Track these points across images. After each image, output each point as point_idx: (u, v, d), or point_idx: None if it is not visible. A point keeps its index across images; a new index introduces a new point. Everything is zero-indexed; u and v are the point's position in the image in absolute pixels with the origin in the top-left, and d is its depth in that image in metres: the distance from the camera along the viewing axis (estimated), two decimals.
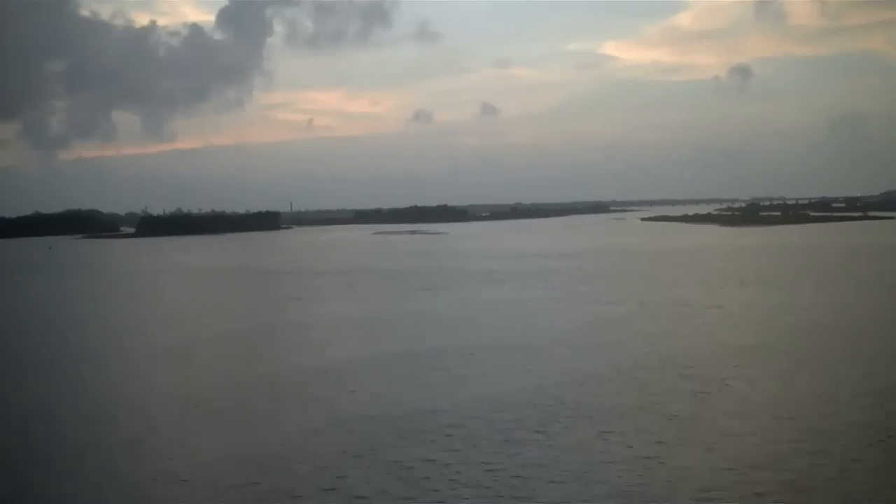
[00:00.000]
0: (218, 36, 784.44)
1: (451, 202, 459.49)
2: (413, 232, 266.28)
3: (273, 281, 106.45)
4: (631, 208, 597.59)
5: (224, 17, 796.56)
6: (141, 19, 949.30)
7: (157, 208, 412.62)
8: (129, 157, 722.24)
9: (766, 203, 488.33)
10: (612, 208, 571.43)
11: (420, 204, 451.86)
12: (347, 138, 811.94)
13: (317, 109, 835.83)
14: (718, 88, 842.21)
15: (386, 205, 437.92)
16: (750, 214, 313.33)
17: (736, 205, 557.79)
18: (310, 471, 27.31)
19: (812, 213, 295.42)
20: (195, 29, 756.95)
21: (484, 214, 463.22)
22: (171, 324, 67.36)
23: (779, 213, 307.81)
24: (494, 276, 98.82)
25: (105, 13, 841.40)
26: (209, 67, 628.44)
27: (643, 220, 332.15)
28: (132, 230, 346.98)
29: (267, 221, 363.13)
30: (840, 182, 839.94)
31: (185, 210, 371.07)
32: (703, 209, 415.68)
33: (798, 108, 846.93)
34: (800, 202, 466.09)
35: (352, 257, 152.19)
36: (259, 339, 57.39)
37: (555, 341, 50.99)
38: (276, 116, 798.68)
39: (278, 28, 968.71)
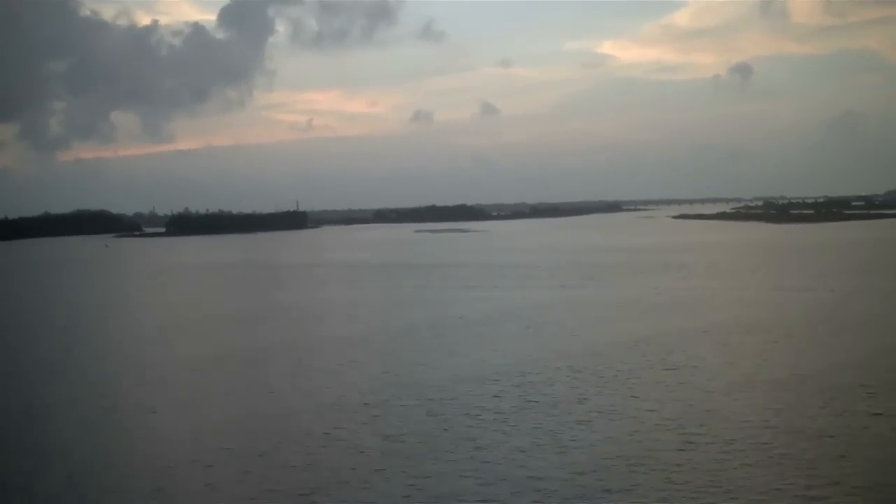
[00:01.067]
0: (219, 35, 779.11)
1: (451, 202, 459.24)
2: (458, 230, 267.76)
3: (441, 274, 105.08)
4: (647, 207, 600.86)
5: (225, 16, 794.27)
6: (142, 19, 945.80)
7: (161, 209, 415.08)
8: (128, 157, 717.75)
9: (783, 201, 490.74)
10: (624, 207, 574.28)
11: (431, 203, 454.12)
12: (347, 138, 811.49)
13: (314, 110, 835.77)
14: (718, 87, 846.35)
15: (388, 204, 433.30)
16: (785, 213, 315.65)
17: (743, 203, 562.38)
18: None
19: (846, 212, 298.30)
20: (197, 28, 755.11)
21: (502, 214, 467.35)
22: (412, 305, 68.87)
23: (812, 212, 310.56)
24: (641, 269, 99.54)
25: (106, 13, 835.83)
26: (210, 67, 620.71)
27: (675, 217, 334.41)
28: (161, 230, 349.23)
29: (294, 220, 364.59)
30: (840, 181, 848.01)
31: (192, 210, 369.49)
32: (713, 208, 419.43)
33: (797, 107, 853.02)
34: (806, 200, 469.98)
35: (455, 253, 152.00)
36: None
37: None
38: (275, 117, 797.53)
39: (281, 27, 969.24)
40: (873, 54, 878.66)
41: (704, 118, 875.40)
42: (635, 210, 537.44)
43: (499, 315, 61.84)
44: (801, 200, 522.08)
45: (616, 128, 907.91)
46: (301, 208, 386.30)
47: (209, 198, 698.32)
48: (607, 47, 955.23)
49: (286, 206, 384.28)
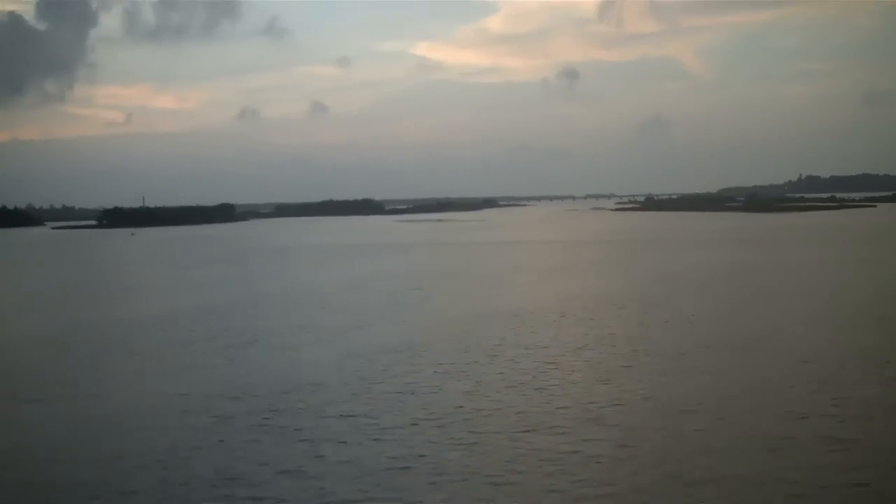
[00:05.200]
0: (38, 26, 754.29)
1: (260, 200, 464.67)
2: (439, 220, 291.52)
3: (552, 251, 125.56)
4: (521, 203, 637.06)
5: (44, 6, 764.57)
6: None
7: None
8: None
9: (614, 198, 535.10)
10: (500, 203, 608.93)
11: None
12: (165, 134, 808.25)
13: (130, 105, 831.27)
14: (535, 90, 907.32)
15: (211, 201, 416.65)
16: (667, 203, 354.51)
17: (588, 199, 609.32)
18: None
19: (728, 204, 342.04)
20: (13, 17, 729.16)
21: (404, 207, 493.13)
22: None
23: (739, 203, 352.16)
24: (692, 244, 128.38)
25: None
26: (26, 58, 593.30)
27: (615, 210, 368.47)
28: (91, 222, 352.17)
29: (225, 213, 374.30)
30: (656, 181, 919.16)
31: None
32: (572, 205, 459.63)
33: (614, 110, 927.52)
34: (636, 198, 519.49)
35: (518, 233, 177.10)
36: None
37: None
38: (92, 112, 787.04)
39: (113, 20, 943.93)
40: (673, 63, 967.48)
41: (522, 120, 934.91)
42: (512, 206, 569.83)
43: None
44: (631, 198, 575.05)
45: (434, 128, 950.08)
46: (147, 203, 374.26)
47: (20, 192, 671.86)
48: (422, 49, 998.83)
49: (131, 201, 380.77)
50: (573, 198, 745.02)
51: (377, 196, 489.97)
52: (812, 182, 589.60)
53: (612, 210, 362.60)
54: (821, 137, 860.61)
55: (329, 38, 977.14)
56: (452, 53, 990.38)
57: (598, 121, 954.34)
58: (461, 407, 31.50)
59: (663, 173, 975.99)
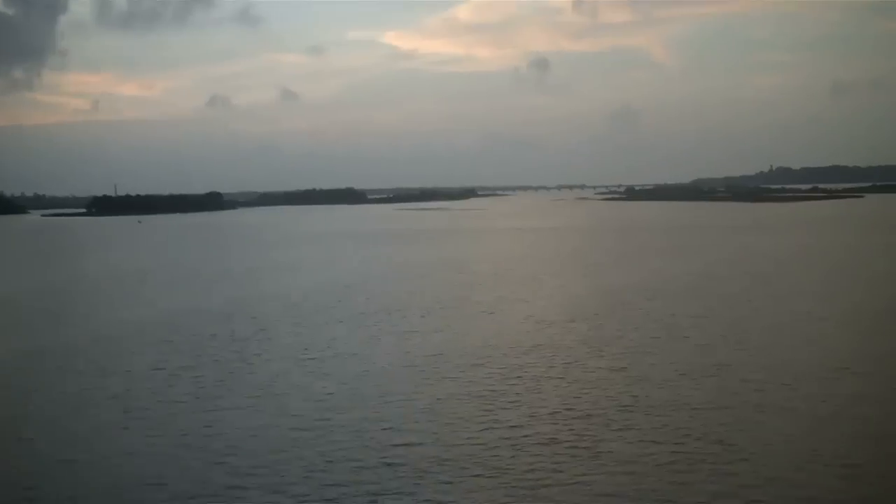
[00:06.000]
0: (6, 10, 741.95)
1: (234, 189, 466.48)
2: (440, 209, 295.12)
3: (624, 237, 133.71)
4: (499, 193, 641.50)
5: None
6: None
7: None
8: None
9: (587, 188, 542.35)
10: (479, 193, 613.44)
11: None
12: (132, 122, 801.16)
13: (98, 92, 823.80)
14: (506, 80, 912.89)
15: (182, 189, 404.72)
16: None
17: (573, 189, 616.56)
18: None
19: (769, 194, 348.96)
20: None
21: (384, 196, 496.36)
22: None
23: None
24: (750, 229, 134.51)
25: None
26: None
27: (603, 200, 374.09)
28: (81, 210, 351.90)
29: (213, 202, 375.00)
30: (626, 172, 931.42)
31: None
32: (548, 195, 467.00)
33: (584, 100, 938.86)
34: (610, 188, 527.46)
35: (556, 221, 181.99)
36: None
37: None
38: (50, 100, 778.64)
39: (79, 6, 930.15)
40: (641, 53, 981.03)
41: (490, 110, 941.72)
42: (492, 196, 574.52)
43: None
44: (605, 188, 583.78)
45: (405, 117, 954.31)
46: (119, 192, 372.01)
47: None
48: (391, 37, 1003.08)
49: (102, 189, 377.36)
50: (546, 188, 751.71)
51: (350, 184, 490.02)
52: (784, 173, 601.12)
53: (599, 200, 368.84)
54: (790, 128, 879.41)
55: (301, 26, 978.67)
56: (422, 42, 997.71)
57: (568, 111, 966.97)
58: None
59: (634, 164, 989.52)
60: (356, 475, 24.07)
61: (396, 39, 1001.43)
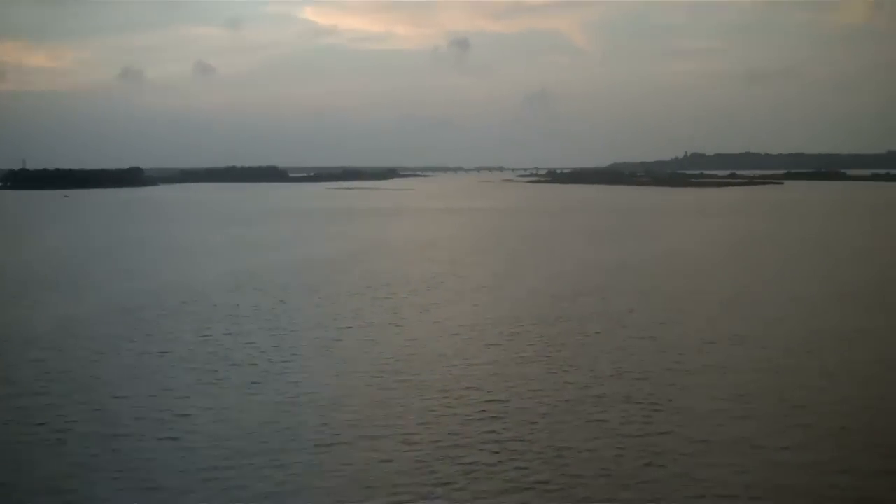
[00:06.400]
0: None
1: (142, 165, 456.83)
2: (374, 188, 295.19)
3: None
4: (420, 174, 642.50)
5: None
6: None
7: None
8: None
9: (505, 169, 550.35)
10: (401, 174, 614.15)
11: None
12: (45, 93, 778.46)
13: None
14: (437, 59, 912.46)
15: (94, 164, 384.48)
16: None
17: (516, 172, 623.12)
18: None
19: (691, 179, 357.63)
20: None
21: (305, 175, 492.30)
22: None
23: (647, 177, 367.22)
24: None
25: None
26: None
27: (531, 182, 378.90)
28: None
29: (135, 177, 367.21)
30: (539, 156, 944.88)
31: None
32: (475, 178, 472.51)
33: (501, 82, 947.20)
34: (530, 170, 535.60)
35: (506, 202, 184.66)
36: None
37: None
38: None
39: None
40: (560, 36, 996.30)
41: (411, 88, 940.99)
42: (412, 177, 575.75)
43: None
44: (524, 171, 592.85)
45: (323, 94, 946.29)
46: (29, 166, 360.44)
47: None
48: (309, 12, 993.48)
49: (9, 163, 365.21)
50: (464, 170, 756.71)
51: (267, 161, 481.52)
52: (698, 159, 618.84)
53: (526, 182, 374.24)
54: (704, 115, 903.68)
55: None
56: (341, 18, 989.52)
57: (487, 92, 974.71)
58: None
59: (551, 147, 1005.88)
60: (455, 428, 26.39)
61: (315, 14, 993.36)
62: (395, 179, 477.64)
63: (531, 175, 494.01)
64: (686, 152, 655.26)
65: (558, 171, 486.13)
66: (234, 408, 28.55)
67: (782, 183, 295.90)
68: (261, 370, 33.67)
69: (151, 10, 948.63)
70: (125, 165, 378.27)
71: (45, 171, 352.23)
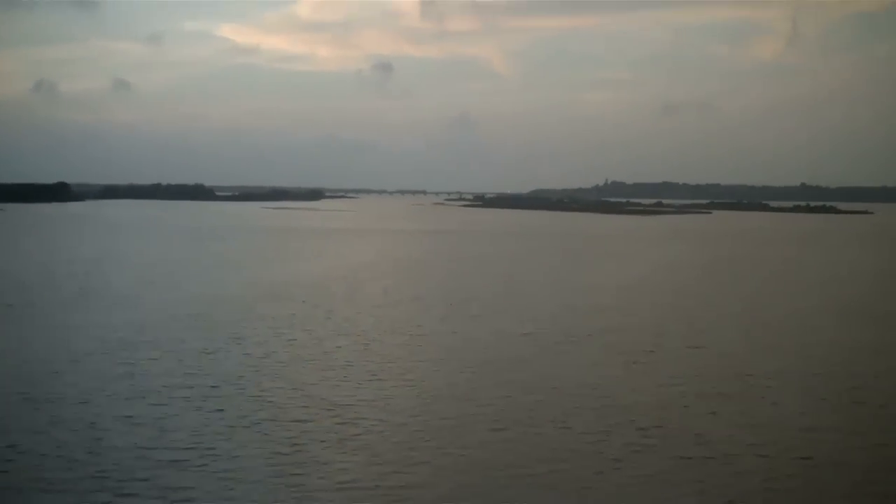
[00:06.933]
0: None
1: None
2: (312, 209, 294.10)
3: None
4: (348, 195, 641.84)
5: None
6: None
7: None
8: None
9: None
10: (327, 195, 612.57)
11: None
12: None
13: None
14: (346, 82, 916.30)
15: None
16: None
17: (428, 195, 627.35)
18: None
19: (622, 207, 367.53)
20: None
21: (230, 194, 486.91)
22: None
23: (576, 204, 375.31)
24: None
25: None
26: None
27: (464, 206, 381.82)
28: None
29: (62, 192, 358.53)
30: (466, 179, 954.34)
31: None
32: (394, 200, 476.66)
33: (422, 107, 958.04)
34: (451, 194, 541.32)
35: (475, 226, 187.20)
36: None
37: None
38: None
39: None
40: (481, 62, 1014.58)
41: (332, 110, 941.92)
42: (340, 198, 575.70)
43: None
44: (447, 194, 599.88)
45: (241, 113, 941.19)
46: None
47: None
48: (229, 31, 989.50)
49: None
50: (387, 192, 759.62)
51: (185, 180, 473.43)
52: (618, 187, 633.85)
53: (459, 206, 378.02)
54: (621, 145, 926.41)
55: (136, 13, 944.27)
56: (260, 38, 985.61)
57: (408, 116, 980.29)
58: None
59: (473, 172, 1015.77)
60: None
61: (234, 33, 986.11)
62: (324, 200, 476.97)
63: (459, 199, 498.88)
64: (607, 180, 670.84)
65: (486, 196, 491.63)
66: None
67: (711, 213, 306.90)
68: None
69: (67, 23, 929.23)
70: (40, 180, 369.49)
71: None
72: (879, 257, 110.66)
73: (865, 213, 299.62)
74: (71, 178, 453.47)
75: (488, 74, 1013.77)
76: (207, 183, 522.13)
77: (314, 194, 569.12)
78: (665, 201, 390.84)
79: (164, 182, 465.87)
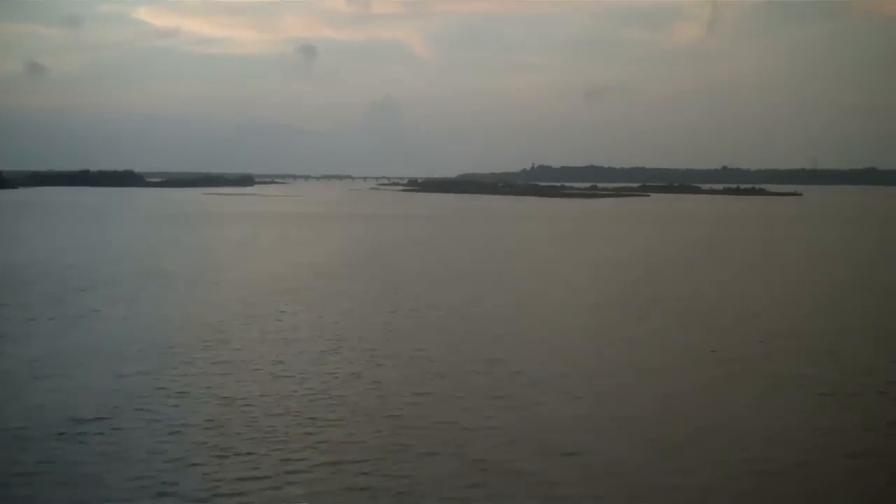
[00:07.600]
0: None
1: None
2: (256, 195, 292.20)
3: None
4: (277, 181, 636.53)
5: None
6: None
7: None
8: None
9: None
10: (257, 181, 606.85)
11: None
12: None
13: None
14: (267, 65, 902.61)
15: None
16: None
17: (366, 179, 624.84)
18: None
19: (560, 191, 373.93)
20: None
21: (157, 181, 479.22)
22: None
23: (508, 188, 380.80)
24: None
25: None
26: None
27: (402, 190, 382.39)
28: None
29: None
30: (390, 164, 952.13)
31: None
32: (322, 185, 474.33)
33: (344, 91, 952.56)
34: (415, 179, 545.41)
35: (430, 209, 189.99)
36: None
37: None
38: None
39: None
40: (402, 45, 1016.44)
41: (252, 94, 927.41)
42: (272, 183, 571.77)
43: None
44: (374, 179, 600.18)
45: (159, 97, 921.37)
46: None
47: None
48: (146, 14, 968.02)
49: None
50: (313, 177, 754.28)
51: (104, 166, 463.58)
52: (545, 171, 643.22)
53: (398, 191, 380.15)
54: (546, 128, 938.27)
55: None
56: (182, 21, 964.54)
57: (330, 100, 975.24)
58: None
59: (396, 156, 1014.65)
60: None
61: (150, 16, 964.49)
62: (258, 186, 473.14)
63: (393, 184, 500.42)
64: (534, 164, 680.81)
65: (419, 181, 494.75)
66: None
67: (648, 195, 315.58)
68: None
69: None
70: None
71: None
72: (865, 233, 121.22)
73: (794, 194, 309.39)
74: None
75: (410, 58, 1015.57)
76: (134, 168, 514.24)
77: (246, 180, 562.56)
78: (599, 185, 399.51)
79: (91, 168, 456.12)
